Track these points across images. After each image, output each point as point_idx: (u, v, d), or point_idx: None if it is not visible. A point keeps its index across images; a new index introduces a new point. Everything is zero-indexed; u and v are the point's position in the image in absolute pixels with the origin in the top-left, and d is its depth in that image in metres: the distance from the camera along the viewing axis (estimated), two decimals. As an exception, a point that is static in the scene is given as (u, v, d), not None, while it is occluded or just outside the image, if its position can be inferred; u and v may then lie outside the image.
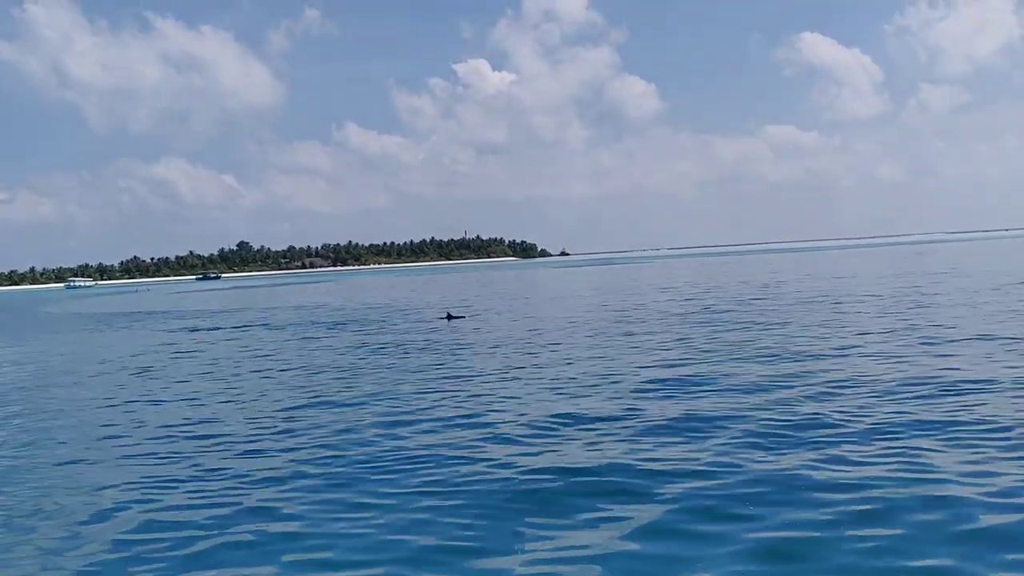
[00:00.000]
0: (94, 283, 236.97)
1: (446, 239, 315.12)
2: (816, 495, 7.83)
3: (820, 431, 10.21)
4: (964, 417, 10.46)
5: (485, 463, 9.67)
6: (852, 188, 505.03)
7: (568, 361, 18.18)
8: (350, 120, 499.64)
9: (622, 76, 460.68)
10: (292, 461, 10.30)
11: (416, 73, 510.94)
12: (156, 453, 11.30)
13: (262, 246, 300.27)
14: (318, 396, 15.23)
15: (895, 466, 8.56)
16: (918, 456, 8.89)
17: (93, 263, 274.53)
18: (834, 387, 12.93)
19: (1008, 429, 9.76)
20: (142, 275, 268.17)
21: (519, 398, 13.87)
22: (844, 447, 9.40)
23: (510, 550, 7.06)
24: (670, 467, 9.06)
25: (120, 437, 12.60)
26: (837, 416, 10.88)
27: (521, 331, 25.83)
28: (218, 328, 36.33)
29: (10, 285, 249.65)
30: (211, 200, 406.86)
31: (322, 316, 39.50)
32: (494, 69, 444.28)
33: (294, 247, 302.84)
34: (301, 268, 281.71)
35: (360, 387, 16.03)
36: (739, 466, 8.91)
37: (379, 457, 10.25)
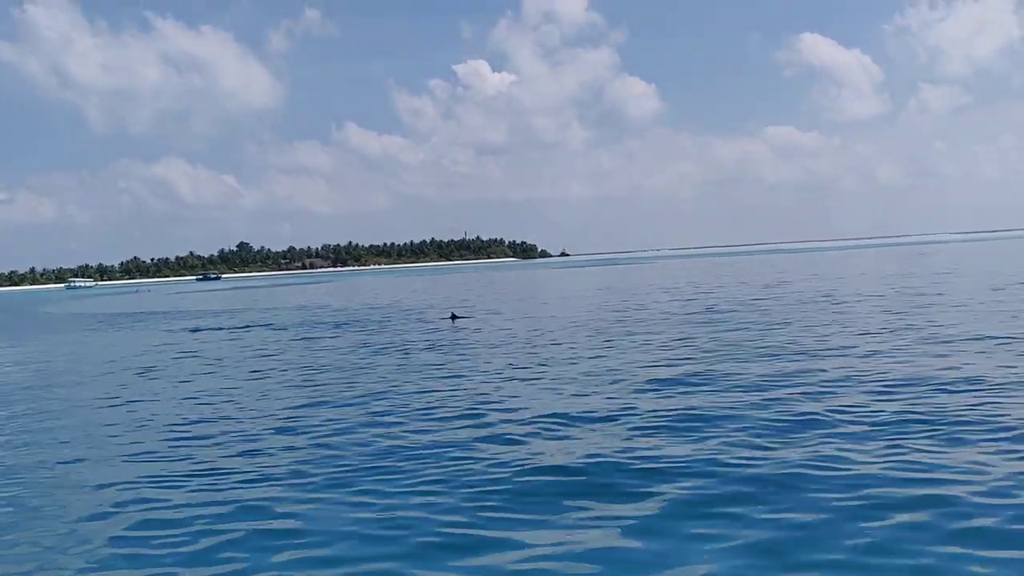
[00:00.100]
0: (94, 283, 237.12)
1: (446, 240, 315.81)
2: (815, 491, 7.89)
3: (819, 429, 10.28)
4: (962, 415, 10.52)
5: (488, 460, 9.74)
6: (852, 189, 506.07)
7: (571, 360, 18.25)
8: (350, 121, 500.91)
9: (622, 77, 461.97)
10: (294, 459, 10.36)
11: (416, 74, 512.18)
12: (160, 452, 11.36)
13: (262, 247, 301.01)
14: (321, 395, 15.29)
15: (893, 463, 8.62)
16: (914, 453, 8.96)
17: (93, 263, 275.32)
18: (834, 386, 13.00)
19: (1005, 428, 9.82)
20: (142, 275, 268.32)
21: (523, 396, 13.94)
22: (843, 444, 9.47)
23: (513, 546, 7.11)
24: (671, 463, 9.13)
25: (124, 436, 12.66)
26: (836, 414, 10.95)
27: (524, 331, 25.88)
28: (220, 328, 36.39)
29: (10, 285, 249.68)
30: (211, 200, 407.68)
31: (324, 316, 39.55)
32: (494, 70, 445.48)
33: (294, 248, 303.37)
34: (301, 269, 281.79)
35: (364, 386, 16.09)
36: (739, 462, 8.98)
37: (383, 454, 10.31)
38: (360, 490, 8.88)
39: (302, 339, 28.03)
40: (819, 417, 10.90)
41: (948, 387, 12.39)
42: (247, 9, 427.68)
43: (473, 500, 8.35)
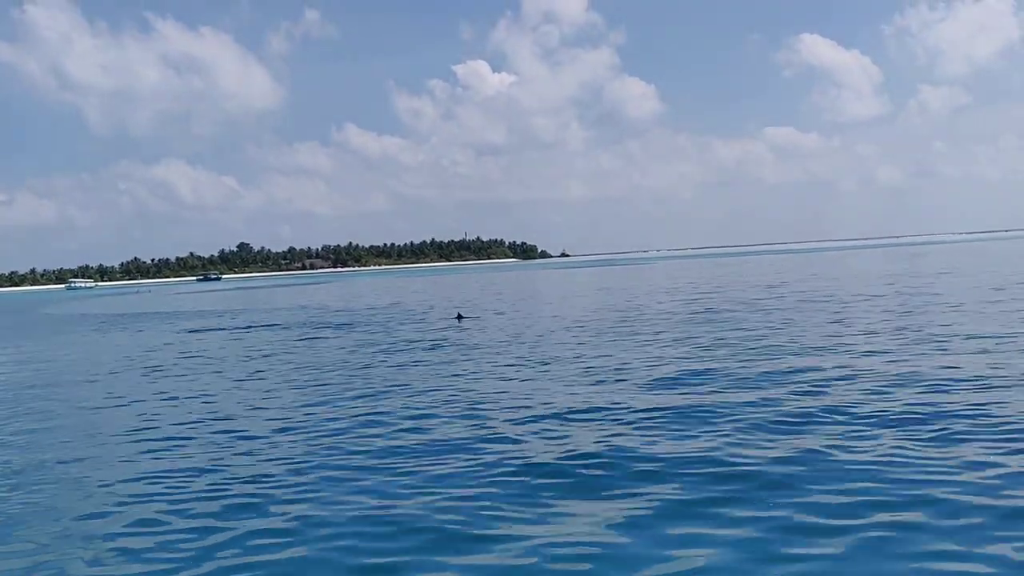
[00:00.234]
0: (94, 284, 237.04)
1: (446, 240, 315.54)
2: (813, 488, 8.03)
3: (818, 427, 10.45)
4: (958, 413, 10.66)
5: (492, 457, 9.89)
6: (852, 189, 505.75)
7: (575, 359, 18.40)
8: (350, 121, 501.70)
9: (622, 77, 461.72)
10: (298, 457, 10.49)
11: (416, 74, 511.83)
12: (165, 450, 11.47)
13: (262, 247, 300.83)
14: (326, 394, 15.41)
15: (890, 461, 8.76)
16: (910, 451, 9.10)
17: (93, 264, 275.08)
18: (833, 385, 13.16)
19: (1002, 425, 9.97)
20: (142, 276, 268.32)
21: (528, 394, 14.10)
22: (840, 442, 9.61)
23: (516, 539, 7.24)
24: (671, 460, 9.29)
25: (128, 435, 12.76)
26: (835, 412, 11.12)
27: (528, 331, 26.02)
28: (222, 329, 36.49)
29: (10, 286, 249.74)
30: (211, 201, 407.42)
31: (326, 317, 39.63)
32: (494, 70, 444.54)
33: (294, 248, 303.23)
34: (301, 269, 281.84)
35: (370, 385, 16.21)
36: (738, 459, 9.15)
37: (388, 452, 10.45)
38: (365, 487, 9.01)
39: (305, 339, 28.13)
40: (818, 415, 11.08)
41: (945, 386, 12.54)
42: (247, 10, 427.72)
43: (476, 495, 8.49)
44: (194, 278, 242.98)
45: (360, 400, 14.50)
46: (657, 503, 7.95)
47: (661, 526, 7.36)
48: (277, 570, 6.95)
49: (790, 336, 20.02)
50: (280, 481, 9.44)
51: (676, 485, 8.42)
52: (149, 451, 11.47)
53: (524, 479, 8.96)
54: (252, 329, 34.81)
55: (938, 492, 7.72)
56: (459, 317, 31.80)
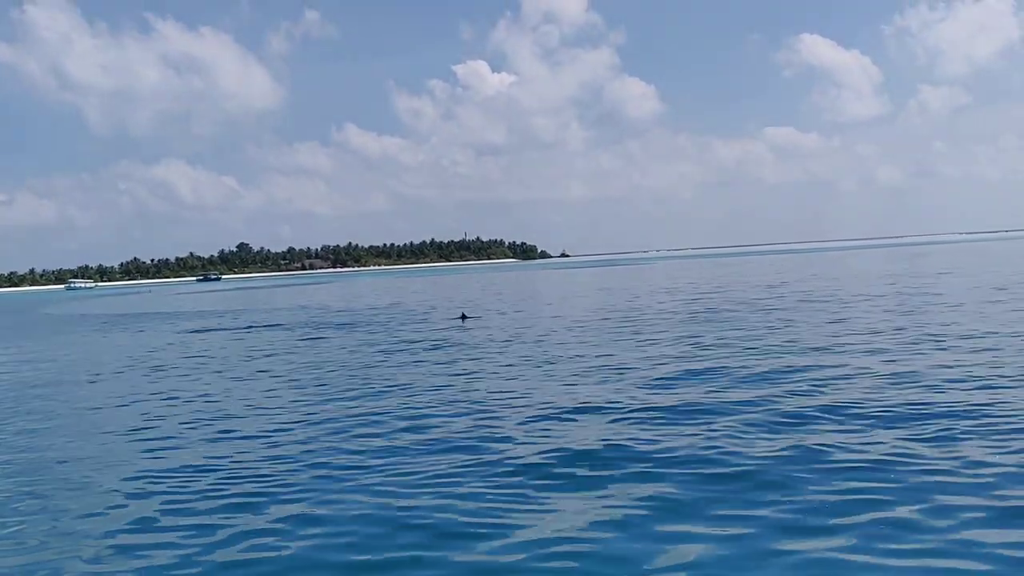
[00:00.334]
0: (94, 285, 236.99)
1: (446, 241, 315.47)
2: (811, 484, 8.13)
3: (817, 424, 10.56)
4: (955, 411, 10.77)
5: (495, 453, 10.01)
6: (852, 189, 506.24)
7: (577, 358, 18.50)
8: (350, 121, 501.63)
9: (621, 77, 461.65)
10: (309, 452, 10.58)
11: (416, 74, 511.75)
12: (171, 448, 11.56)
13: (262, 247, 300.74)
14: (331, 393, 15.49)
15: (887, 459, 8.85)
16: (908, 449, 9.20)
17: (93, 265, 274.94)
18: (832, 383, 13.26)
19: (998, 422, 10.06)
20: (142, 276, 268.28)
21: (532, 391, 14.21)
22: (838, 439, 9.71)
23: (521, 532, 7.35)
24: (672, 455, 9.43)
25: (134, 433, 12.84)
26: (835, 410, 11.23)
27: (530, 330, 26.12)
28: (224, 329, 36.55)
29: (10, 286, 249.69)
30: (211, 202, 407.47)
31: (328, 317, 39.70)
32: (493, 70, 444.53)
33: (294, 248, 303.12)
34: (301, 269, 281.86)
35: (374, 384, 16.30)
36: (737, 455, 9.27)
37: (393, 449, 10.54)
38: (367, 484, 9.09)
39: (308, 339, 28.21)
40: (816, 414, 11.18)
41: (945, 385, 12.63)
42: (247, 10, 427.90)
43: (478, 492, 8.59)
44: (194, 278, 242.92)
45: (362, 399, 14.57)
46: (658, 499, 8.03)
47: (661, 522, 7.45)
48: (280, 567, 7.01)
49: (790, 336, 20.10)
50: (283, 480, 9.50)
51: (676, 482, 8.52)
52: (151, 450, 11.53)
53: (526, 476, 9.05)
54: (253, 329, 34.86)
55: (936, 490, 7.79)
56: (463, 317, 31.93)
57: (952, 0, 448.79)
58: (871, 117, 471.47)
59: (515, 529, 7.46)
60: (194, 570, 7.01)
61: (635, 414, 11.87)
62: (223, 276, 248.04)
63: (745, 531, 7.10)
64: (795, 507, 7.57)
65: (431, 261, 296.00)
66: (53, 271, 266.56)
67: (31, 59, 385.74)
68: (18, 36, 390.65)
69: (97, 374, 21.59)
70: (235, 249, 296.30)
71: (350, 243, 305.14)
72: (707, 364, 16.24)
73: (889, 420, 10.58)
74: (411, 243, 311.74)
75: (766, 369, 15.11)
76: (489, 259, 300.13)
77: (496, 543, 7.17)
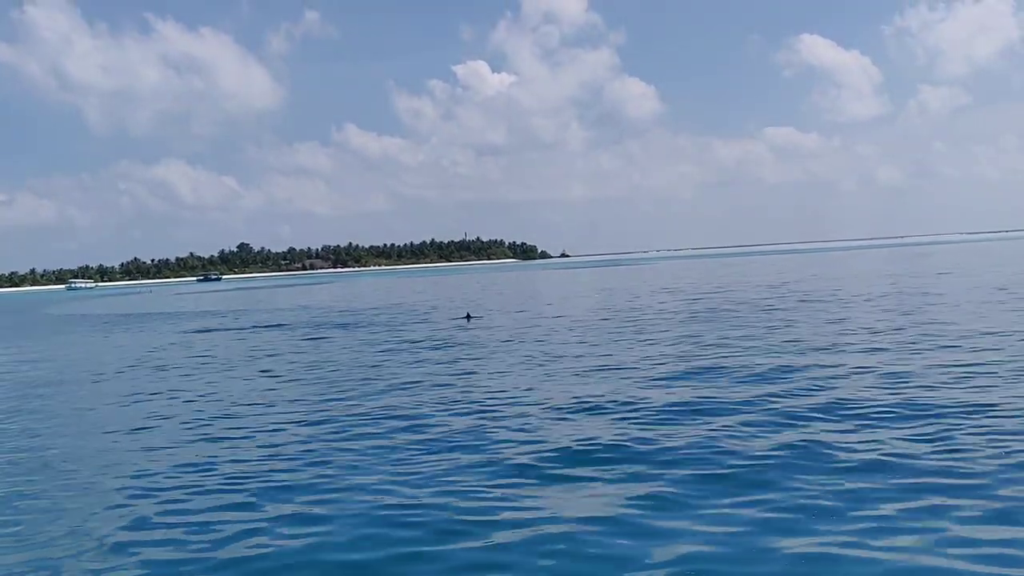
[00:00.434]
0: (95, 285, 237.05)
1: (446, 241, 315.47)
2: (810, 480, 8.27)
3: (816, 423, 10.69)
4: (953, 409, 10.89)
5: (500, 448, 10.16)
6: (852, 190, 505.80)
7: (580, 356, 18.63)
8: (350, 122, 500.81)
9: (621, 78, 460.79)
10: (310, 451, 10.69)
11: (416, 75, 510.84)
12: (177, 447, 11.67)
13: (262, 248, 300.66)
14: (338, 392, 15.60)
15: (883, 456, 9.00)
16: (907, 445, 9.33)
17: (93, 265, 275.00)
18: (831, 382, 13.39)
19: (994, 420, 10.20)
20: (142, 276, 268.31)
21: (533, 390, 14.35)
22: (837, 436, 9.85)
23: (524, 525, 7.49)
24: (672, 451, 9.62)
25: (133, 433, 12.96)
26: (834, 408, 11.38)
27: (533, 330, 26.28)
28: (227, 329, 36.66)
29: (10, 287, 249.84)
30: (211, 202, 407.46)
31: (331, 317, 39.81)
32: (494, 71, 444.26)
33: (294, 248, 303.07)
34: (301, 270, 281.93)
35: (379, 382, 16.44)
36: (735, 451, 9.44)
37: (399, 445, 10.68)
38: (372, 481, 9.23)
39: (312, 339, 28.31)
40: (816, 411, 11.33)
41: (942, 384, 12.76)
42: (247, 11, 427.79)
43: (481, 488, 8.73)
44: (194, 278, 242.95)
45: (364, 398, 14.68)
46: (658, 497, 8.16)
47: (661, 519, 7.57)
48: (281, 565, 7.08)
49: (790, 335, 20.21)
50: (283, 479, 9.60)
51: (676, 479, 8.65)
52: (153, 449, 11.62)
53: (527, 473, 9.22)
54: (257, 329, 34.96)
55: (934, 489, 7.89)
56: (468, 317, 32.09)
57: (952, 0, 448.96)
58: (871, 117, 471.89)
59: (515, 526, 7.58)
60: (195, 568, 7.08)
61: (636, 413, 12.00)
62: (223, 276, 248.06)
63: (745, 528, 7.21)
64: (795, 505, 7.69)
65: (431, 261, 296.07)
66: (53, 271, 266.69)
67: (31, 59, 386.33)
68: (18, 36, 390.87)
69: (100, 374, 21.71)
70: (235, 249, 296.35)
71: (350, 243, 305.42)
72: (707, 363, 16.36)
73: (888, 419, 10.70)
74: (411, 243, 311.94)
75: (766, 368, 15.23)
76: (489, 259, 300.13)
77: (497, 540, 7.28)
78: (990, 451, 8.95)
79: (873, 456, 9.00)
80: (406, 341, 24.89)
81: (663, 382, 14.56)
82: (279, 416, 13.49)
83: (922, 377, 13.38)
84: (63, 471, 10.67)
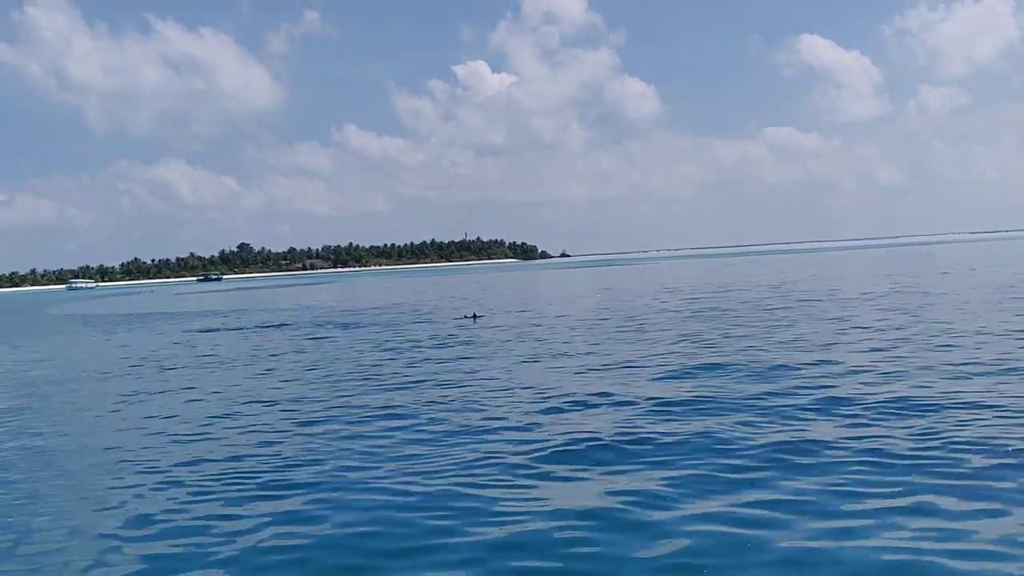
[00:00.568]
0: (95, 285, 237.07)
1: (446, 241, 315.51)
2: (807, 478, 8.38)
3: (815, 421, 10.82)
4: (951, 408, 11.00)
5: (503, 444, 10.28)
6: (852, 190, 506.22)
7: (582, 354, 18.76)
8: (350, 122, 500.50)
9: (622, 78, 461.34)
10: (315, 449, 10.80)
11: (416, 75, 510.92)
12: (184, 446, 11.77)
13: (262, 248, 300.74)
14: (342, 389, 15.71)
15: (874, 452, 9.12)
16: (905, 442, 9.45)
17: (94, 265, 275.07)
18: (831, 380, 13.50)
19: (999, 419, 10.32)
20: (142, 277, 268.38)
21: (535, 387, 14.49)
22: (836, 433, 9.96)
23: (525, 520, 7.62)
24: (671, 446, 9.76)
25: (136, 432, 13.03)
26: (833, 406, 11.51)
27: (535, 329, 26.43)
28: (229, 328, 36.74)
29: (11, 287, 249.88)
30: (211, 202, 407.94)
31: (332, 317, 39.89)
32: (494, 71, 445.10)
33: (294, 248, 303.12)
34: (302, 270, 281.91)
35: (382, 380, 16.54)
36: (734, 448, 9.57)
37: (404, 442, 10.80)
38: (376, 476, 9.36)
39: (315, 339, 28.41)
40: (816, 410, 11.46)
41: (941, 382, 12.89)
42: (247, 11, 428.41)
43: (486, 481, 8.85)
44: (195, 278, 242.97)
45: (366, 396, 14.80)
46: (659, 491, 8.28)
47: (662, 512, 7.71)
48: (284, 561, 7.16)
49: (790, 335, 20.33)
50: (288, 476, 9.68)
51: (677, 475, 8.77)
52: (155, 448, 11.67)
53: (531, 468, 9.35)
54: (259, 329, 35.06)
55: (933, 487, 7.97)
56: (474, 317, 32.18)
57: (952, 0, 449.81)
58: (871, 117, 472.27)
59: (516, 522, 7.68)
60: (197, 567, 7.13)
61: (636, 410, 12.12)
62: (224, 276, 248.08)
63: (743, 524, 7.31)
64: (792, 501, 7.78)
65: (432, 261, 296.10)
66: (54, 271, 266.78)
67: (31, 60, 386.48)
68: (18, 37, 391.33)
69: (103, 373, 21.79)
70: (236, 249, 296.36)
71: (351, 243, 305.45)
72: (707, 361, 16.47)
73: (885, 417, 10.81)
74: (411, 243, 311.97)
75: (766, 367, 15.35)
76: (489, 259, 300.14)
77: (497, 536, 7.38)
78: (987, 449, 9.05)
79: (871, 454, 9.10)
80: (408, 340, 25.00)
81: (663, 380, 14.69)
82: (282, 415, 13.60)
83: (920, 375, 13.50)
84: (65, 470, 10.74)
